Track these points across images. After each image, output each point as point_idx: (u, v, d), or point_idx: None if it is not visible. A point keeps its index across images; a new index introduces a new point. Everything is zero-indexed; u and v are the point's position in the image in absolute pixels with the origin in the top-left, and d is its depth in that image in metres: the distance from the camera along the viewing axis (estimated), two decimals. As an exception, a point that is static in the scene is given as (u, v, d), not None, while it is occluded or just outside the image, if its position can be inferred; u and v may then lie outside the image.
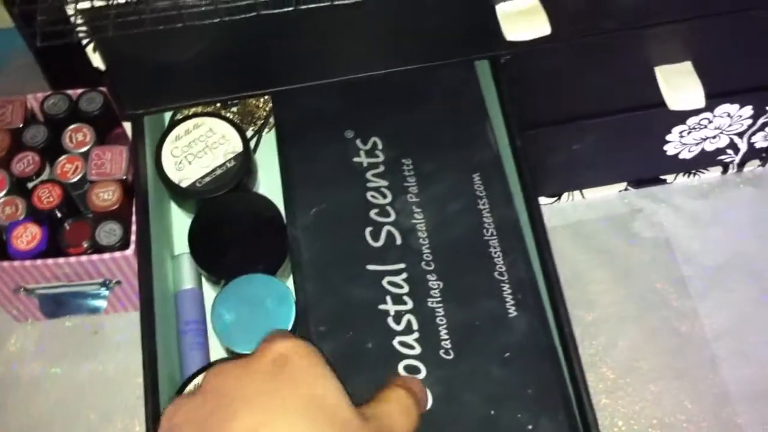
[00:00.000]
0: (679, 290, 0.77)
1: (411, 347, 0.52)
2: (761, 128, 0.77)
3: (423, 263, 0.55)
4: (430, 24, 0.58)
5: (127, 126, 0.63)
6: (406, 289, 0.54)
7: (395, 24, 0.58)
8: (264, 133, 0.71)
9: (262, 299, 0.56)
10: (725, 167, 0.83)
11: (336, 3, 0.52)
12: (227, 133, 0.63)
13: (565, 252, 0.79)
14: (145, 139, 0.62)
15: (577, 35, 0.61)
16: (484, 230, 0.56)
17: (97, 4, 0.51)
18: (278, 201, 0.60)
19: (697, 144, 0.78)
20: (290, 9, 0.51)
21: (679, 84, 0.66)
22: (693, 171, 0.83)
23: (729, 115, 0.74)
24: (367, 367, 0.51)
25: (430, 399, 0.50)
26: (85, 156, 0.72)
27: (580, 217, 0.82)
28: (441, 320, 0.53)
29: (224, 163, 0.62)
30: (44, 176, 0.73)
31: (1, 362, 0.75)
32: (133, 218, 0.69)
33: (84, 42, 0.55)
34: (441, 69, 0.63)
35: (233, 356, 0.55)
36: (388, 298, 0.53)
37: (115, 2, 0.51)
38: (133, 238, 0.69)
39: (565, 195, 0.82)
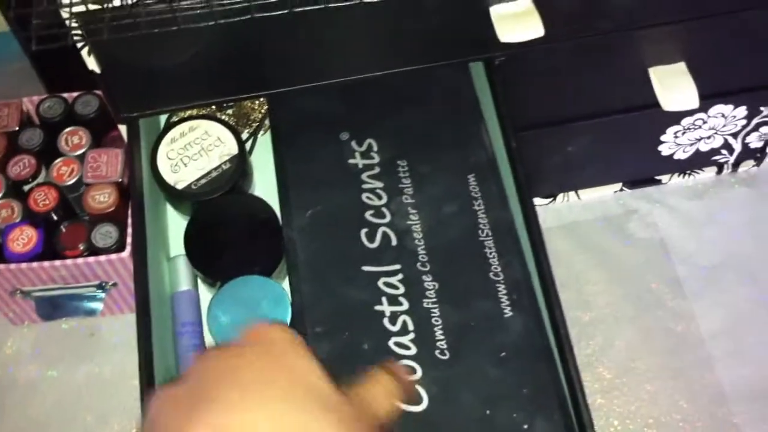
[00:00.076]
0: (675, 290, 0.77)
1: (407, 348, 0.52)
2: (755, 128, 0.78)
3: (418, 264, 0.55)
4: (425, 26, 0.58)
5: (123, 129, 0.63)
6: (401, 290, 0.54)
7: (390, 26, 0.58)
8: (259, 136, 0.71)
9: (258, 301, 0.56)
10: (720, 167, 0.83)
11: (330, 5, 0.52)
12: (223, 135, 0.63)
13: (560, 253, 0.79)
14: (140, 141, 0.62)
15: (570, 37, 0.61)
16: (480, 231, 0.56)
17: (92, 7, 0.51)
18: (274, 203, 0.60)
19: (691, 144, 0.78)
20: (285, 11, 0.52)
21: (673, 85, 0.66)
22: (688, 171, 0.83)
23: (723, 116, 0.74)
24: (363, 368, 0.51)
25: (426, 399, 0.50)
26: (81, 159, 0.72)
27: (575, 217, 0.82)
28: (436, 321, 0.53)
29: (220, 166, 0.62)
30: (40, 179, 0.73)
31: (-3, 365, 0.76)
32: (129, 220, 0.69)
33: (79, 45, 0.55)
34: (436, 71, 0.63)
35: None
36: (384, 299, 0.54)
37: (109, 6, 0.51)
38: (129, 240, 0.69)
39: (560, 196, 0.82)
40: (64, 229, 0.71)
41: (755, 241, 0.80)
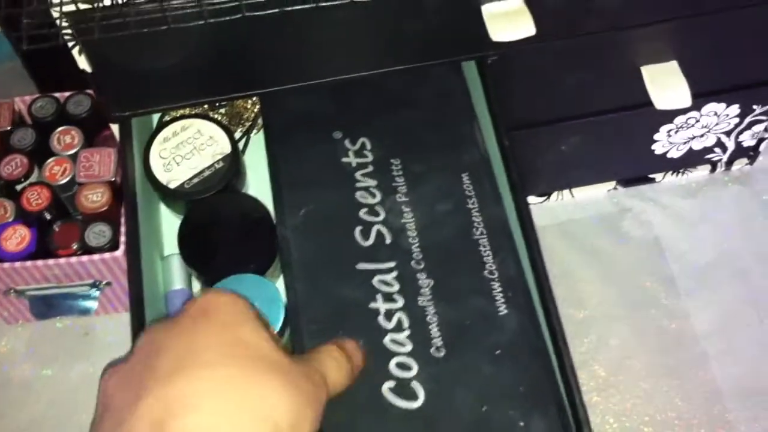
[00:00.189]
0: (668, 289, 0.77)
1: (402, 345, 0.52)
2: (748, 127, 0.78)
3: (413, 262, 0.55)
4: (417, 25, 0.58)
5: (115, 128, 0.63)
6: (396, 287, 0.54)
7: (381, 26, 0.58)
8: (252, 135, 0.71)
9: (252, 299, 0.55)
10: (713, 166, 0.83)
11: (321, 4, 0.52)
12: (215, 134, 0.63)
13: (554, 251, 0.79)
14: (133, 141, 0.62)
15: (562, 35, 0.61)
16: (474, 229, 0.56)
17: (83, 7, 0.51)
18: (267, 202, 0.60)
19: (684, 143, 0.78)
20: (276, 10, 0.51)
21: (665, 83, 0.66)
22: (681, 170, 0.83)
23: (716, 114, 0.74)
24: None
25: (422, 396, 0.50)
26: (74, 158, 0.72)
27: (569, 216, 0.82)
28: (431, 318, 0.53)
29: (213, 165, 0.62)
30: (33, 178, 0.73)
31: (-9, 365, 0.75)
32: (122, 219, 0.69)
33: (70, 45, 0.55)
34: (428, 70, 0.63)
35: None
36: (379, 297, 0.54)
37: (100, 5, 0.51)
38: (122, 239, 0.69)
39: (554, 194, 0.82)
40: (57, 229, 0.71)
41: (748, 239, 0.80)
